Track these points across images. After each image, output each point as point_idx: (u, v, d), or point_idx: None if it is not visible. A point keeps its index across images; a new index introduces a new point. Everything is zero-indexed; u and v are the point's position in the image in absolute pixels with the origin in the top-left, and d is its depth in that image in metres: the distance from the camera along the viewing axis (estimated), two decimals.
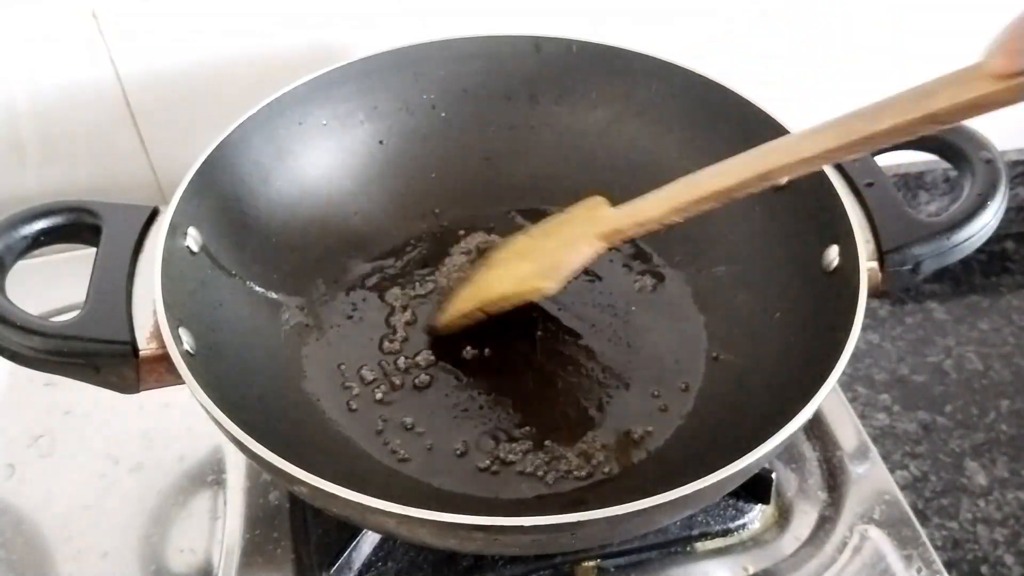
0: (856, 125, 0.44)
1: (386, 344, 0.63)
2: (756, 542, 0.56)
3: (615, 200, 0.65)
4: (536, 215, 0.71)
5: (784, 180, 0.50)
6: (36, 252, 0.52)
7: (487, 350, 0.62)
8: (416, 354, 0.62)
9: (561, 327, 0.64)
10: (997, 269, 0.84)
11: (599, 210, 0.58)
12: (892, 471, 0.62)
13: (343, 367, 0.61)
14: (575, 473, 0.55)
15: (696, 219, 0.66)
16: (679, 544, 0.56)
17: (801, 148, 0.47)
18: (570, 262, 0.57)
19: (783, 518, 0.58)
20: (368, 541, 0.54)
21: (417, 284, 0.66)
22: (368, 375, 0.61)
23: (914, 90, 0.42)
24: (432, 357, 0.62)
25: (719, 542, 0.56)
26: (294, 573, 0.54)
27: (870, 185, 0.55)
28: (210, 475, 0.60)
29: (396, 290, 0.66)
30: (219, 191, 0.59)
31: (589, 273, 0.67)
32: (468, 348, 0.62)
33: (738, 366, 0.59)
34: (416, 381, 0.60)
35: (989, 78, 0.39)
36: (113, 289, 0.49)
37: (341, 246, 0.67)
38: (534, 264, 0.59)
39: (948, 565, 0.57)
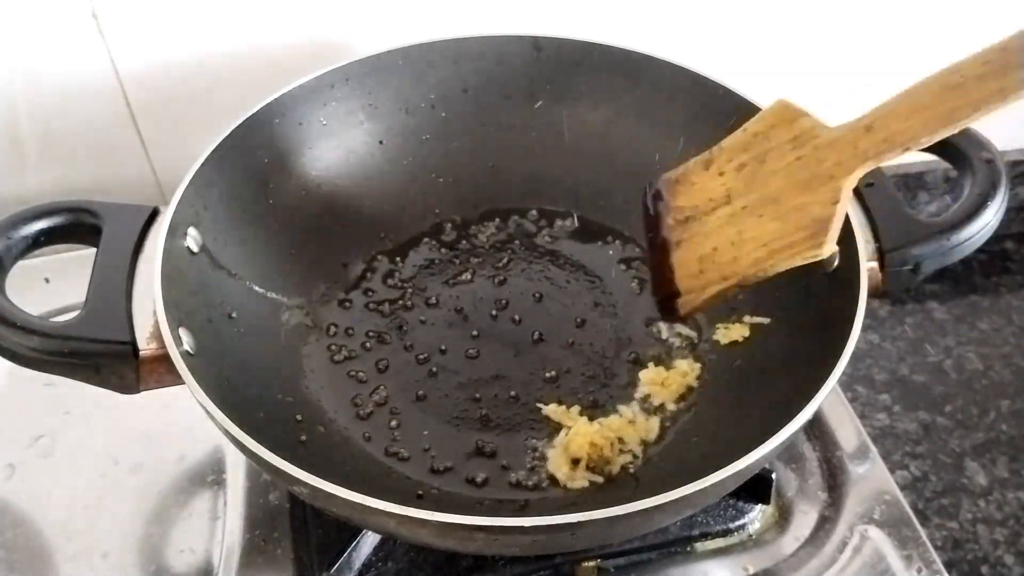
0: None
1: (386, 344, 0.63)
2: (756, 542, 0.56)
3: (617, 205, 0.65)
4: (536, 215, 0.71)
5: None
6: (36, 252, 0.52)
7: (487, 352, 0.62)
8: (417, 354, 0.62)
9: (561, 327, 0.64)
10: (997, 269, 0.84)
11: (818, 131, 0.47)
12: (892, 471, 0.62)
13: (343, 367, 0.61)
14: (575, 473, 0.55)
15: None
16: (679, 544, 0.56)
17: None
18: (833, 213, 0.46)
19: (783, 518, 0.58)
20: (368, 541, 0.54)
21: (417, 284, 0.66)
22: (368, 375, 0.61)
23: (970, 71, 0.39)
24: (432, 358, 0.62)
25: (719, 542, 0.56)
26: (294, 573, 0.54)
27: (870, 185, 0.55)
28: (210, 475, 0.60)
29: (396, 290, 0.66)
30: (219, 191, 0.59)
31: (588, 273, 0.67)
32: (468, 349, 0.62)
33: (738, 366, 0.59)
34: (416, 381, 0.60)
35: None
36: (113, 289, 0.49)
37: (341, 246, 0.67)
38: (779, 222, 0.48)
39: (948, 565, 0.57)
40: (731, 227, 0.49)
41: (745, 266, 0.49)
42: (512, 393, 0.60)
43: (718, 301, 0.51)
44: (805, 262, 0.47)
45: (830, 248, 0.46)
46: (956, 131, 0.43)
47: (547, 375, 0.61)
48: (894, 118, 0.44)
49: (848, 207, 0.52)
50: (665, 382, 0.59)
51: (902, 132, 0.44)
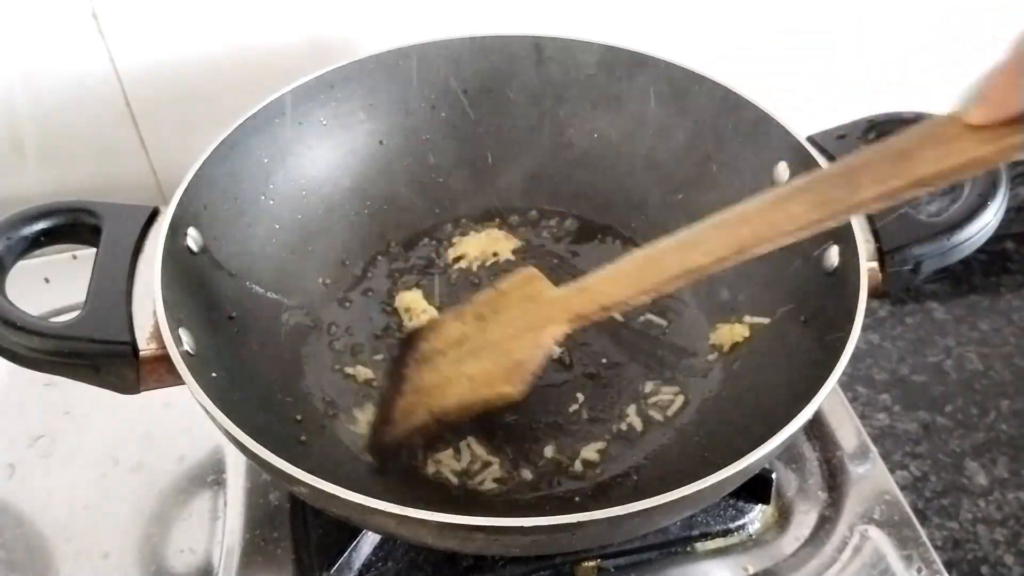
0: (837, 194, 0.41)
1: (386, 344, 0.63)
2: (756, 542, 0.56)
3: (617, 205, 0.65)
4: (536, 215, 0.71)
5: (762, 252, 0.44)
6: (36, 252, 0.52)
7: None
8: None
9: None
10: (997, 269, 0.84)
11: (545, 291, 0.52)
12: (892, 471, 0.62)
13: (343, 367, 0.61)
14: (575, 473, 0.55)
15: (696, 220, 0.67)
16: (679, 544, 0.56)
17: (778, 221, 0.43)
18: (533, 358, 0.50)
19: (783, 518, 0.58)
20: (368, 541, 0.54)
21: (418, 284, 0.66)
22: (368, 375, 0.61)
23: (892, 149, 0.39)
24: None
25: (719, 542, 0.56)
26: (294, 573, 0.54)
27: None
28: (210, 475, 0.60)
29: (396, 290, 0.66)
30: (219, 191, 0.59)
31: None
32: None
33: (738, 366, 0.59)
34: None
35: (968, 131, 0.36)
36: (113, 289, 0.49)
37: (341, 246, 0.67)
38: (488, 362, 0.52)
39: (948, 565, 0.57)
40: (453, 366, 0.53)
41: (449, 400, 0.52)
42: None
43: (419, 434, 0.53)
44: (498, 400, 0.51)
45: (518, 388, 0.50)
46: (653, 295, 0.47)
47: (548, 375, 0.61)
48: (603, 283, 0.49)
49: None
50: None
51: (605, 294, 0.49)
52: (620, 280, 0.48)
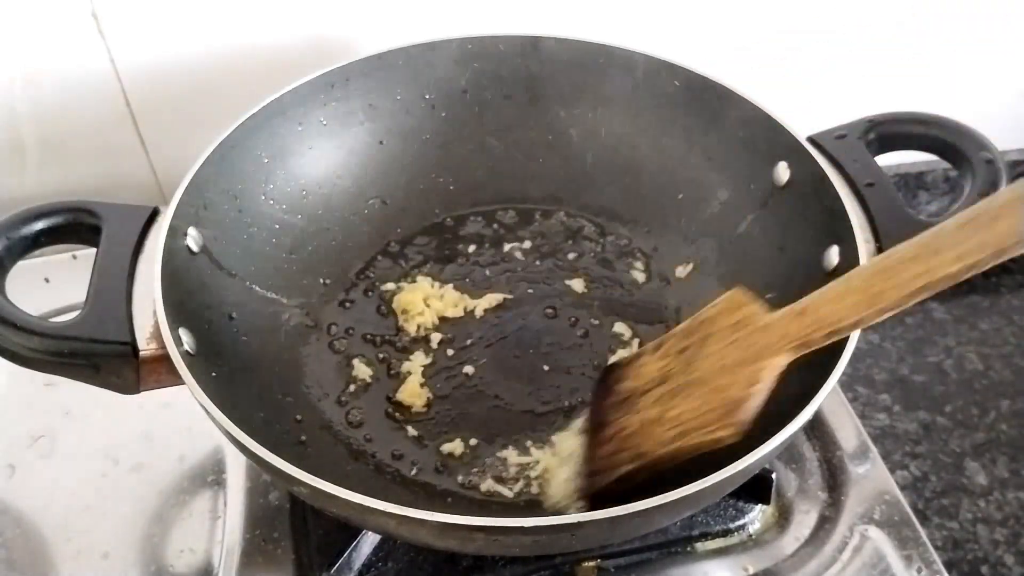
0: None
1: (387, 344, 0.63)
2: (756, 542, 0.56)
3: (617, 204, 0.65)
4: (537, 215, 0.71)
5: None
6: (36, 252, 0.52)
7: (489, 352, 0.62)
8: (417, 355, 0.62)
9: (563, 326, 0.64)
10: (997, 269, 0.84)
11: (758, 316, 0.47)
12: (892, 471, 0.62)
13: (343, 367, 0.61)
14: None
15: (697, 220, 0.67)
16: (679, 544, 0.56)
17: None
18: (751, 395, 0.45)
19: (783, 518, 0.58)
20: (368, 541, 0.54)
21: (418, 283, 0.66)
22: (368, 375, 0.61)
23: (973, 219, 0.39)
24: (433, 360, 0.62)
25: (719, 542, 0.56)
26: (294, 573, 0.54)
27: (870, 185, 0.55)
28: (210, 475, 0.60)
29: (397, 290, 0.66)
30: (219, 191, 0.59)
31: (595, 280, 0.67)
32: (470, 349, 0.62)
33: None
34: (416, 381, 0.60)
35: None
36: (113, 289, 0.49)
37: (341, 246, 0.67)
38: (698, 401, 0.47)
39: (948, 565, 0.57)
40: (657, 407, 0.48)
41: (657, 445, 0.47)
42: (513, 394, 0.60)
43: (627, 484, 0.48)
44: (712, 445, 0.45)
45: (737, 431, 0.44)
46: (883, 317, 0.42)
47: (550, 377, 0.61)
48: (824, 302, 0.45)
49: (848, 207, 0.53)
50: None
51: (829, 315, 0.44)
52: (848, 298, 0.43)
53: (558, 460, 0.54)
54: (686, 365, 0.48)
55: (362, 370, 0.61)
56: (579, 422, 0.55)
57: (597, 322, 0.64)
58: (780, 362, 0.45)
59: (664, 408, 0.48)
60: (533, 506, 0.54)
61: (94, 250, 0.51)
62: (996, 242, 0.40)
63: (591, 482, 0.50)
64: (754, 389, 0.45)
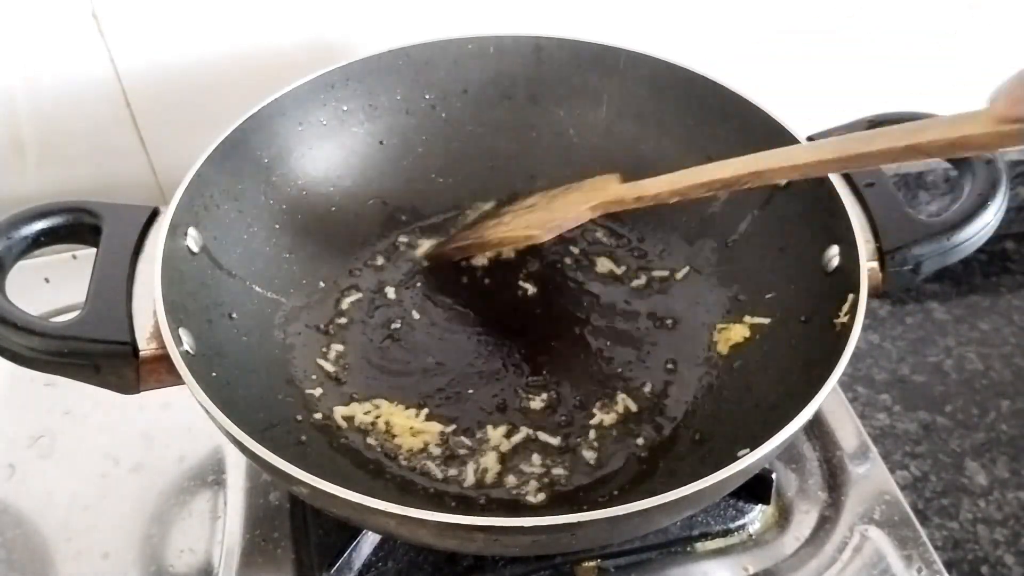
0: (851, 145, 0.48)
1: (387, 345, 0.63)
2: (756, 542, 0.56)
3: None
4: None
5: (782, 182, 0.55)
6: (36, 252, 0.52)
7: (490, 353, 0.62)
8: (418, 356, 0.62)
9: (565, 325, 0.64)
10: (997, 269, 0.84)
11: (609, 183, 0.62)
12: (892, 471, 0.62)
13: (343, 367, 0.61)
14: (573, 474, 0.55)
15: (697, 220, 0.67)
16: (679, 544, 0.56)
17: (798, 156, 0.51)
18: (563, 219, 0.62)
19: (783, 518, 0.58)
20: (368, 541, 0.54)
21: (418, 284, 0.66)
22: (369, 375, 0.61)
23: (915, 123, 0.46)
24: (434, 360, 0.62)
25: (719, 542, 0.56)
26: (294, 573, 0.54)
27: (870, 185, 0.55)
28: (210, 475, 0.60)
29: (397, 290, 0.66)
30: (219, 191, 0.59)
31: (588, 273, 0.67)
32: (471, 349, 0.62)
33: (738, 366, 0.59)
34: (417, 381, 0.60)
35: (990, 120, 0.41)
36: (113, 289, 0.49)
37: (341, 246, 0.67)
38: (534, 217, 0.64)
39: (948, 565, 0.57)
40: (510, 216, 0.66)
41: (493, 235, 0.65)
42: (513, 394, 0.60)
43: (461, 252, 0.67)
44: (527, 241, 0.64)
45: (540, 236, 0.62)
46: (679, 198, 0.56)
47: (549, 378, 0.61)
48: (648, 183, 0.58)
49: (848, 207, 0.53)
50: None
51: (643, 188, 0.58)
52: (660, 182, 0.57)
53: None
54: (549, 201, 0.65)
55: None
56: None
57: (600, 318, 0.64)
58: (599, 207, 0.61)
59: (514, 217, 0.65)
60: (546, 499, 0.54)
61: (94, 250, 0.51)
62: (756, 167, 0.52)
63: (440, 248, 0.68)
64: (571, 215, 0.62)
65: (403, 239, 0.69)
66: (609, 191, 0.61)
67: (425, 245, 0.69)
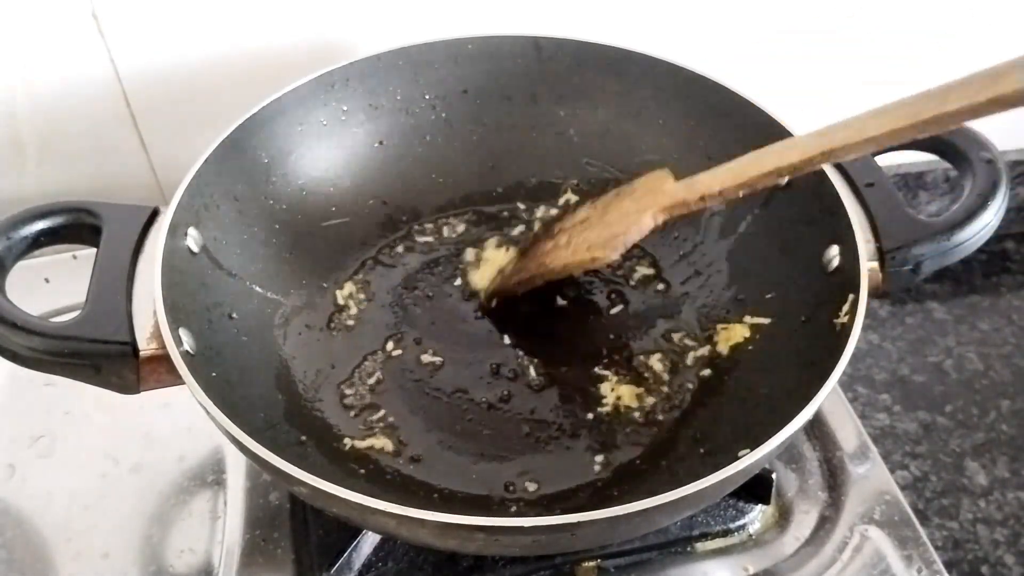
0: (925, 106, 0.45)
1: (387, 345, 0.63)
2: (756, 542, 0.56)
3: None
4: (539, 215, 0.71)
5: (849, 157, 0.49)
6: (36, 252, 0.52)
7: (490, 353, 0.62)
8: (418, 356, 0.62)
9: (565, 325, 0.64)
10: (997, 269, 0.84)
11: (663, 183, 0.58)
12: (892, 471, 0.62)
13: (343, 367, 0.61)
14: (572, 474, 0.55)
15: (697, 220, 0.67)
16: (679, 544, 0.56)
17: (868, 127, 0.47)
18: (628, 232, 0.58)
19: (783, 518, 0.58)
20: (368, 541, 0.54)
21: (418, 284, 0.66)
22: (369, 375, 0.61)
23: (982, 74, 0.44)
24: (435, 359, 0.62)
25: (719, 542, 0.56)
26: (294, 573, 0.54)
27: (870, 185, 0.55)
28: (210, 475, 0.60)
29: (397, 290, 0.66)
30: (219, 191, 0.59)
31: (589, 272, 0.67)
32: (471, 349, 0.62)
33: (738, 366, 0.59)
34: (417, 381, 0.60)
35: (1017, 74, 0.40)
36: (113, 289, 0.49)
37: (341, 246, 0.67)
38: (594, 234, 0.60)
39: (948, 565, 0.57)
40: (566, 236, 0.61)
41: (555, 260, 0.60)
42: (514, 393, 0.60)
43: (521, 286, 0.62)
44: (590, 264, 0.60)
45: (607, 255, 0.58)
46: (748, 189, 0.53)
47: (548, 379, 0.61)
48: (707, 177, 0.55)
49: (848, 207, 0.53)
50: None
51: (706, 185, 0.55)
52: (721, 175, 0.54)
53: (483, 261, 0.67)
54: (602, 213, 0.61)
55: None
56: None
57: (600, 318, 0.64)
58: (661, 213, 0.57)
59: (571, 237, 0.61)
60: (546, 498, 0.54)
61: (94, 250, 0.51)
62: (829, 145, 0.48)
63: (502, 279, 0.63)
64: (633, 228, 0.57)
65: (403, 239, 0.69)
66: (667, 193, 0.57)
67: (426, 247, 0.68)
